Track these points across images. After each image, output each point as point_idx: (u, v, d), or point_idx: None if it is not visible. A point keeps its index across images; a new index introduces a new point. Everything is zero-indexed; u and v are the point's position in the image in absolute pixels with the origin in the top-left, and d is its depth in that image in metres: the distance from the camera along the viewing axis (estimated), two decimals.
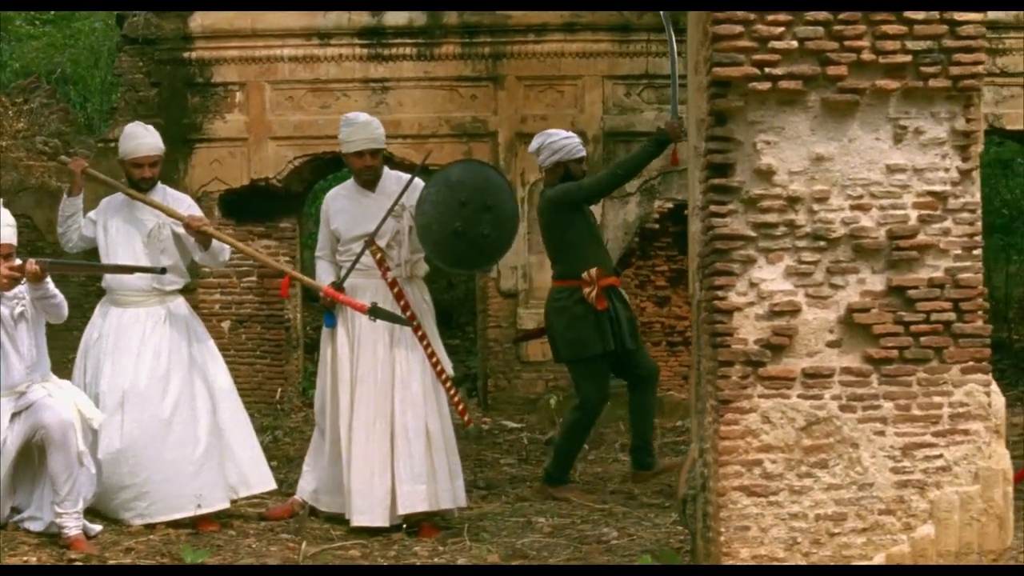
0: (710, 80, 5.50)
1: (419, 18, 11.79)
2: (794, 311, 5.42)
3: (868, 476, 5.40)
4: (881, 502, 5.40)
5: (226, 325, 11.90)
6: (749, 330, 5.44)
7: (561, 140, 8.11)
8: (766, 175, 5.46)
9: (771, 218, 5.45)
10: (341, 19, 11.82)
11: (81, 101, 17.80)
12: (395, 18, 11.80)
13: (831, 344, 5.44)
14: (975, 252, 5.47)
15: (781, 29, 5.40)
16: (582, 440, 8.26)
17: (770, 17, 5.40)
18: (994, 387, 5.47)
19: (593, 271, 7.86)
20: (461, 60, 11.79)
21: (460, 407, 7.34)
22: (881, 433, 5.41)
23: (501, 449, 10.28)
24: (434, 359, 7.20)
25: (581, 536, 7.04)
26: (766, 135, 5.46)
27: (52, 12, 18.38)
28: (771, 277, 5.45)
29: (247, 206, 11.96)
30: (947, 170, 5.48)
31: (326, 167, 12.49)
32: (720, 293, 5.48)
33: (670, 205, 11.85)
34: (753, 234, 5.46)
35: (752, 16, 5.41)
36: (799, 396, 5.42)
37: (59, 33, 18.44)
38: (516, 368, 11.69)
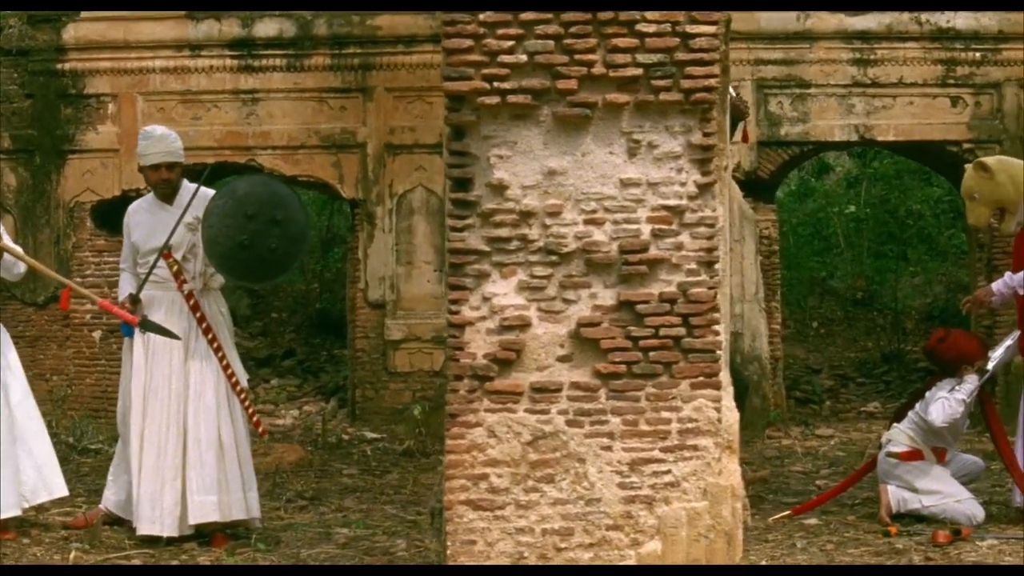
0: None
1: (289, 29, 11.80)
2: (524, 325, 5.39)
3: (595, 491, 5.37)
4: (608, 517, 5.37)
5: (97, 335, 11.87)
6: (480, 344, 5.42)
7: None
8: (499, 189, 5.43)
9: (504, 232, 5.42)
10: (212, 30, 11.82)
11: None
12: (265, 29, 11.81)
13: (561, 359, 5.41)
14: (714, 266, 5.44)
15: (511, 43, 5.38)
16: None
17: (500, 31, 5.38)
18: (726, 402, 5.45)
19: None
20: (330, 71, 11.79)
21: (254, 418, 7.32)
22: (608, 448, 5.38)
23: (351, 459, 10.27)
24: (229, 370, 7.19)
25: (370, 548, 7.03)
26: (499, 149, 5.44)
27: None
28: (504, 291, 5.42)
29: (119, 217, 11.84)
30: (683, 184, 5.44)
31: (197, 178, 12.42)
32: (454, 307, 5.45)
33: None
34: (487, 248, 5.43)
35: (482, 30, 5.38)
36: (526, 410, 5.39)
37: None
38: (384, 379, 11.69)
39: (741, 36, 11.68)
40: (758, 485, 8.42)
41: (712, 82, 5.40)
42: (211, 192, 7.15)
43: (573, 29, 5.38)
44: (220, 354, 7.17)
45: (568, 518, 5.37)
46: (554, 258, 5.41)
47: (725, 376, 5.51)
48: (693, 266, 5.42)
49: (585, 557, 5.36)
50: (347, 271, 12.31)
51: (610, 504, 5.37)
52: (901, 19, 11.87)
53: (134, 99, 11.85)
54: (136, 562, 6.70)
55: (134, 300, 7.17)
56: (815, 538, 6.96)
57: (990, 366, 7.39)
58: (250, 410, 7.26)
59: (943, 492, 7.28)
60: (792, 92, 11.86)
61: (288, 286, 15.91)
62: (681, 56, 5.38)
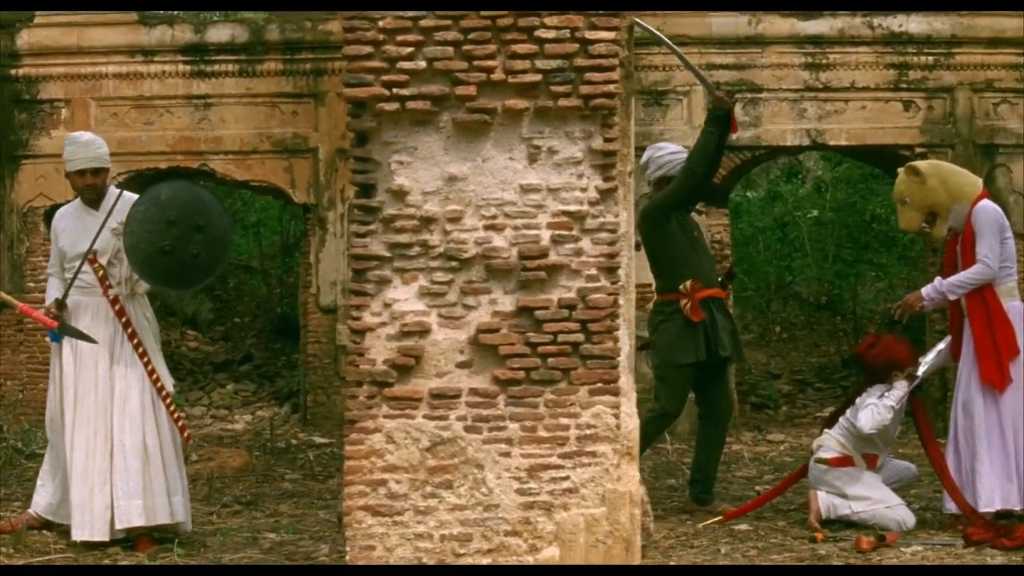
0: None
1: (241, 35, 11.81)
2: (423, 332, 5.40)
3: (494, 497, 5.37)
4: (507, 523, 5.37)
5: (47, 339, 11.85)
6: (380, 350, 5.42)
7: (667, 155, 8.01)
8: (400, 195, 5.44)
9: (405, 238, 5.43)
10: (164, 36, 11.84)
11: None
12: (217, 35, 11.83)
13: (461, 365, 5.41)
14: (616, 272, 5.44)
15: (411, 49, 5.39)
16: (643, 450, 8.04)
17: (399, 37, 5.39)
18: (625, 408, 5.44)
19: (688, 283, 7.71)
20: (283, 76, 11.81)
21: (179, 424, 7.31)
22: (507, 454, 5.38)
23: (296, 464, 10.26)
24: (154, 376, 7.19)
25: (292, 553, 7.02)
26: (400, 155, 5.45)
27: None
28: (404, 297, 5.43)
29: None
30: (584, 190, 5.45)
31: (151, 183, 12.44)
32: (356, 313, 5.46)
33: None
34: (388, 254, 5.44)
35: (382, 37, 5.39)
36: (424, 417, 5.39)
37: None
38: (335, 384, 11.69)
39: (693, 41, 11.73)
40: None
41: (611, 88, 5.41)
42: (135, 197, 7.15)
43: (472, 35, 5.39)
44: (145, 359, 7.17)
45: (466, 524, 5.37)
46: (454, 264, 5.42)
47: (626, 382, 5.50)
48: (593, 272, 5.42)
49: (483, 563, 5.36)
50: (300, 276, 12.32)
51: (508, 510, 5.37)
52: (853, 23, 11.86)
53: (87, 104, 11.86)
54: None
55: (60, 305, 7.17)
56: (740, 543, 6.95)
57: (920, 372, 7.36)
58: (175, 415, 7.26)
59: (873, 498, 7.25)
60: (744, 97, 11.83)
61: (251, 291, 15.93)
62: (580, 62, 5.39)
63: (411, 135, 5.45)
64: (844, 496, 7.31)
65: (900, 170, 7.42)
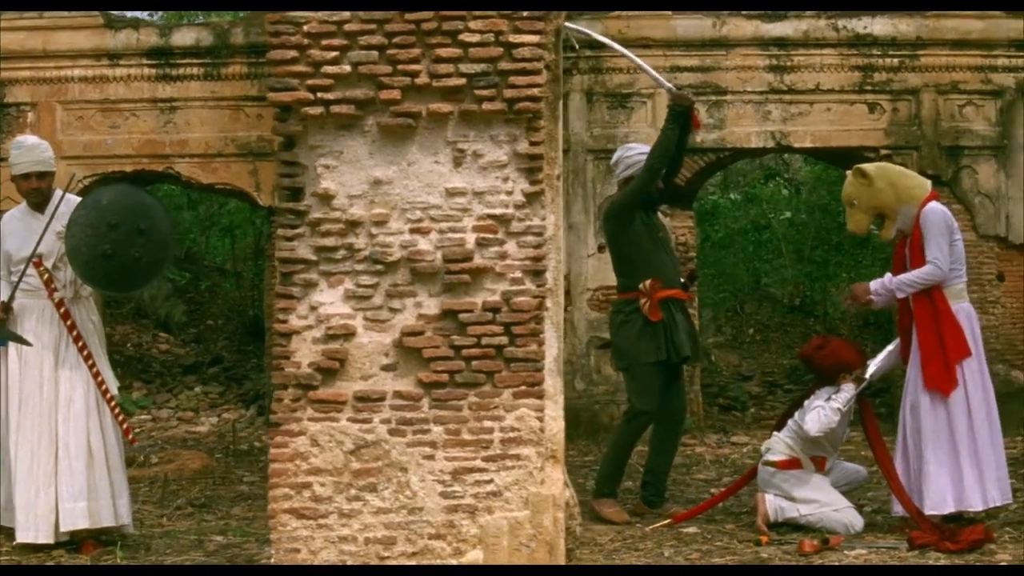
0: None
1: (206, 38, 11.82)
2: (348, 335, 5.41)
3: (418, 500, 5.39)
4: (431, 526, 5.38)
5: None
6: (305, 353, 5.44)
7: (636, 155, 7.94)
8: (326, 199, 5.46)
9: (331, 242, 5.45)
10: (130, 40, 11.84)
11: None
12: (182, 38, 11.84)
13: (386, 368, 5.43)
14: (542, 275, 5.45)
15: (335, 53, 5.41)
16: (627, 452, 8.02)
17: (324, 42, 5.41)
18: (549, 412, 5.45)
19: (648, 283, 7.70)
20: (247, 80, 11.82)
21: (124, 426, 7.33)
22: (431, 457, 5.39)
23: (255, 467, 10.27)
24: (99, 378, 7.20)
25: (235, 556, 7.03)
26: (326, 159, 5.47)
27: None
28: (330, 301, 5.45)
29: None
30: (510, 193, 5.46)
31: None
32: (282, 316, 5.48)
33: None
34: (315, 258, 5.45)
35: (306, 41, 5.41)
36: (348, 419, 5.41)
37: None
38: None
39: (657, 43, 11.73)
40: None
41: (536, 91, 5.42)
42: (79, 200, 7.16)
43: (397, 39, 5.41)
44: (90, 362, 7.18)
45: (391, 527, 5.39)
46: (380, 267, 5.43)
47: (552, 385, 5.50)
48: (518, 275, 5.43)
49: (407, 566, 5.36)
50: (265, 278, 12.34)
51: (432, 513, 5.38)
52: (818, 25, 11.85)
53: (53, 108, 11.86)
54: None
55: (5, 308, 7.18)
56: (685, 546, 6.95)
57: (868, 374, 7.35)
58: (120, 418, 7.27)
59: (820, 501, 7.23)
60: (708, 99, 11.82)
61: (223, 293, 15.94)
62: (505, 65, 5.41)
63: (336, 139, 5.47)
64: (792, 499, 7.29)
65: (848, 172, 7.43)
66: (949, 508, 6.93)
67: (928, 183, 7.31)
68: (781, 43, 11.81)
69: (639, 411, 7.78)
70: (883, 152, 11.86)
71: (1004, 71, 11.94)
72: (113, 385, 7.32)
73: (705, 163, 12.05)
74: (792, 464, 7.35)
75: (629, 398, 7.91)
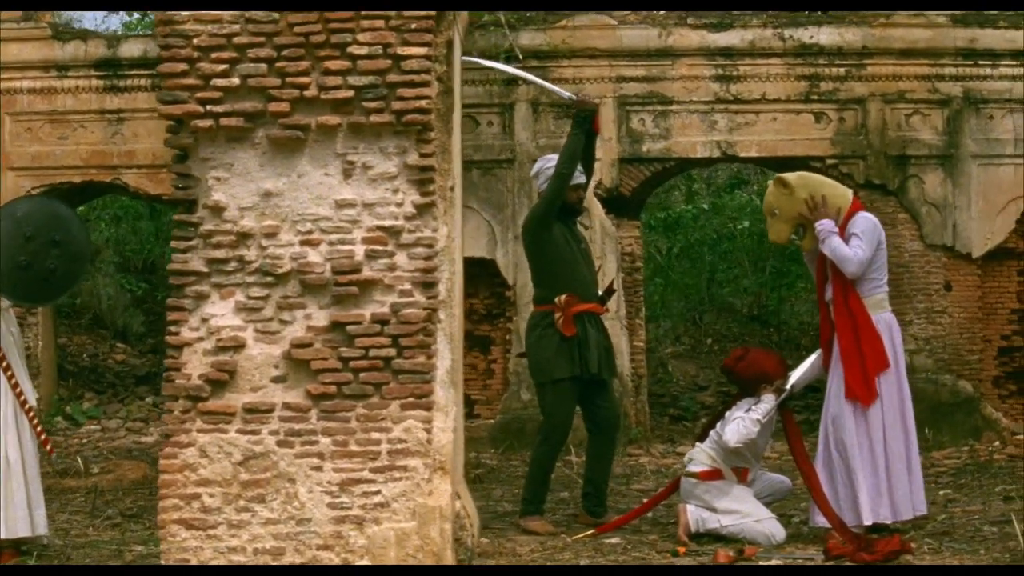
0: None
1: (153, 49, 11.78)
2: (238, 346, 5.44)
3: (306, 511, 5.41)
4: (319, 537, 5.40)
5: None
6: (196, 365, 5.46)
7: (554, 165, 7.86)
8: (217, 211, 5.49)
9: (222, 254, 5.48)
10: (78, 51, 11.88)
11: None
12: (130, 50, 11.88)
13: (276, 379, 5.45)
14: (434, 287, 5.47)
15: (224, 67, 5.44)
16: (548, 470, 7.99)
17: (214, 55, 5.44)
18: (437, 423, 5.46)
19: (563, 297, 7.66)
20: None
21: (42, 437, 7.34)
22: (319, 468, 5.41)
23: None
24: (17, 389, 7.21)
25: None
26: (217, 171, 5.51)
27: None
28: (222, 312, 5.47)
29: None
30: (400, 205, 5.49)
31: (65, 197, 12.49)
32: (173, 328, 5.50)
33: None
34: (206, 270, 5.47)
35: (196, 54, 5.44)
36: (237, 431, 5.43)
37: None
38: None
39: (602, 53, 11.75)
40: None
41: (424, 103, 5.44)
42: None
43: (286, 52, 5.44)
44: (9, 373, 7.19)
45: (279, 538, 5.40)
46: (270, 279, 5.46)
47: (443, 396, 5.52)
48: (407, 287, 5.46)
49: None
50: None
51: (320, 524, 5.40)
52: (764, 35, 11.86)
53: (2, 119, 11.89)
54: None
55: None
56: (602, 557, 6.95)
57: (788, 385, 7.34)
58: (39, 430, 7.28)
59: (742, 512, 7.21)
60: (654, 109, 11.84)
61: None
62: (393, 78, 5.43)
63: (227, 151, 5.50)
64: (713, 510, 7.26)
65: (770, 182, 7.42)
66: (868, 519, 6.92)
67: (849, 192, 7.30)
68: (727, 53, 11.81)
69: (552, 432, 7.78)
70: (829, 162, 11.88)
71: (951, 80, 11.95)
72: (31, 396, 7.32)
73: (651, 173, 12.04)
74: (713, 475, 7.34)
75: (543, 413, 7.88)
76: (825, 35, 11.87)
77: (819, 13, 11.68)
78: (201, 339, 5.47)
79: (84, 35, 11.87)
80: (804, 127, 11.94)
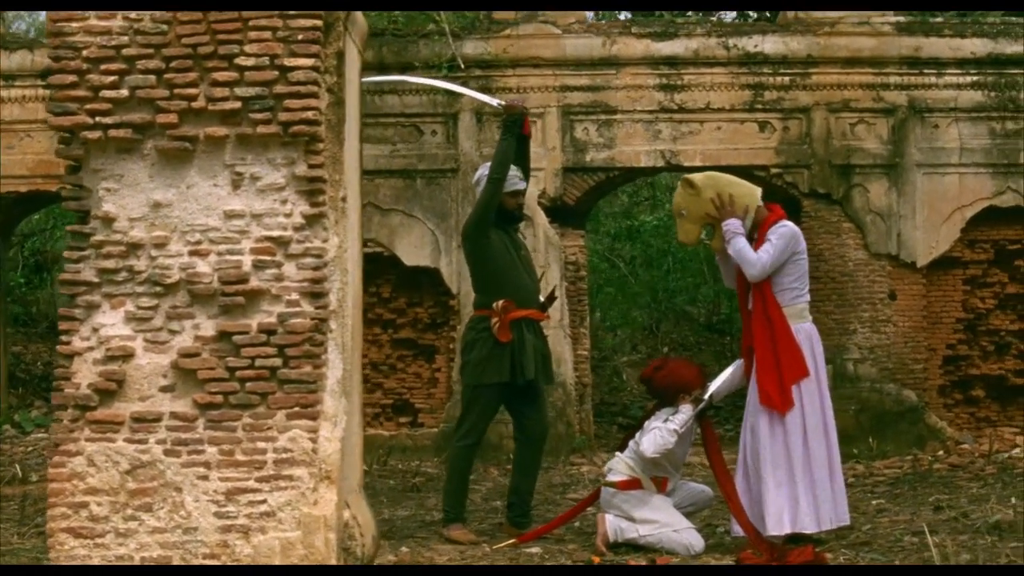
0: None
1: None
2: (127, 356, 5.47)
3: (192, 520, 5.43)
4: (205, 546, 5.43)
5: None
6: (85, 374, 5.49)
7: None
8: (108, 222, 5.52)
9: (113, 264, 5.51)
10: (24, 61, 11.90)
11: None
12: None
13: (164, 389, 5.48)
14: (323, 297, 5.50)
15: (114, 78, 5.47)
16: (465, 476, 7.98)
17: (103, 67, 5.47)
18: (324, 433, 5.48)
19: (501, 303, 7.65)
20: None
21: None
22: (205, 478, 5.44)
23: None
24: None
25: None
26: (107, 182, 5.54)
27: None
28: (112, 322, 5.50)
29: None
30: (288, 215, 5.52)
31: (14, 206, 12.54)
32: (64, 338, 5.53)
33: None
34: (97, 280, 5.51)
35: (86, 66, 5.47)
36: (125, 440, 5.46)
37: None
38: None
39: (546, 63, 11.77)
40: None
41: (311, 114, 5.48)
42: None
43: (174, 63, 5.47)
44: None
45: (166, 546, 5.43)
46: (159, 289, 5.50)
47: (331, 406, 5.54)
48: (295, 297, 5.48)
49: None
50: None
51: (207, 533, 5.42)
52: (708, 44, 11.88)
53: None
54: None
55: None
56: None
57: (707, 395, 7.33)
58: None
59: (660, 521, 7.20)
60: (598, 118, 11.85)
61: None
62: (280, 89, 5.47)
63: (117, 162, 5.54)
64: (632, 519, 7.26)
65: (679, 183, 7.43)
66: (786, 529, 6.91)
67: (757, 191, 7.24)
68: (671, 62, 11.83)
69: (468, 437, 7.78)
70: (774, 171, 11.90)
71: (896, 89, 11.98)
72: None
73: (595, 182, 12.05)
74: (632, 484, 7.33)
75: (460, 422, 7.88)
76: (770, 44, 11.88)
77: (764, 21, 11.66)
78: (91, 348, 5.50)
79: (31, 44, 11.88)
80: (748, 136, 11.95)
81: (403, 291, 12.10)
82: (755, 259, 6.99)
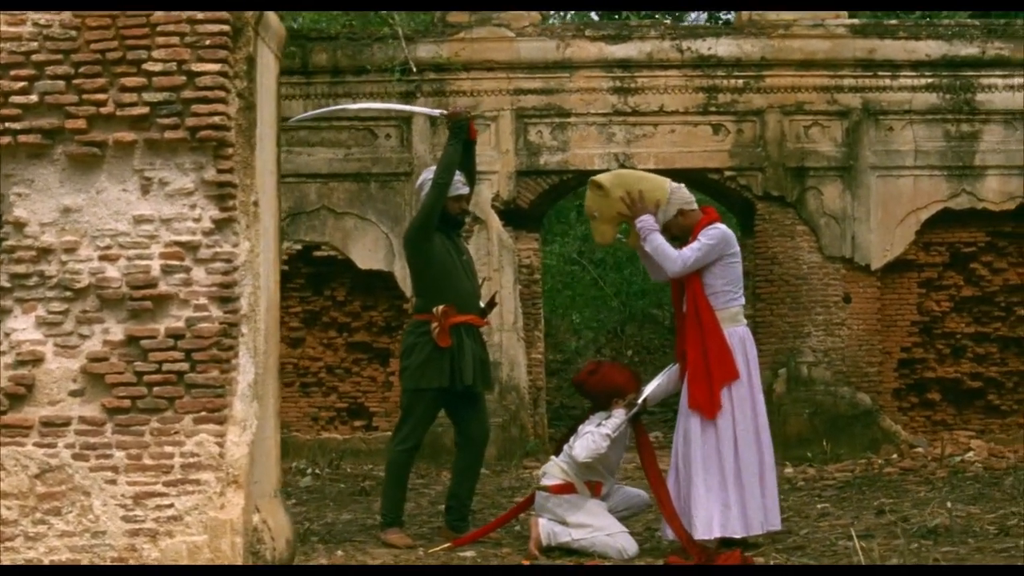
0: None
1: None
2: (37, 360, 5.49)
3: (100, 524, 5.45)
4: (113, 550, 5.45)
5: None
6: None
7: None
8: (19, 227, 5.55)
9: (24, 269, 5.54)
10: None
11: None
12: None
13: (73, 393, 5.50)
14: (232, 302, 5.52)
15: (23, 84, 5.49)
16: (403, 480, 8.00)
17: (13, 72, 5.50)
18: (231, 437, 5.51)
19: (441, 308, 7.65)
20: None
21: None
22: (113, 482, 5.46)
23: None
24: None
25: None
26: (18, 187, 5.56)
27: None
28: (23, 327, 5.53)
29: None
30: (198, 220, 5.54)
31: None
32: None
33: (299, 247, 11.91)
34: (9, 285, 5.53)
35: None
36: (34, 444, 5.48)
37: None
38: None
39: (500, 66, 11.80)
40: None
41: (218, 120, 5.50)
42: None
43: (83, 69, 5.50)
44: None
45: (75, 550, 5.45)
46: (69, 294, 5.52)
47: (241, 410, 5.56)
48: (203, 301, 5.51)
49: None
50: None
51: (115, 537, 5.45)
52: (662, 47, 11.90)
53: None
54: None
55: None
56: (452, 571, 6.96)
57: (640, 400, 7.33)
58: None
59: (593, 526, 7.20)
60: (552, 121, 11.88)
61: None
62: (188, 94, 5.49)
63: (28, 168, 5.57)
64: (565, 523, 7.26)
65: (588, 186, 7.44)
66: (715, 533, 6.91)
67: (667, 183, 7.22)
68: (625, 65, 11.85)
69: (409, 432, 7.78)
70: (727, 173, 11.93)
71: (850, 91, 12.01)
72: None
73: (549, 185, 12.07)
74: (566, 489, 7.33)
75: (401, 421, 7.89)
76: (723, 47, 11.91)
77: (717, 24, 11.69)
78: (2, 353, 5.53)
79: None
80: (702, 139, 11.98)
81: (357, 294, 12.12)
82: (675, 255, 7.00)
